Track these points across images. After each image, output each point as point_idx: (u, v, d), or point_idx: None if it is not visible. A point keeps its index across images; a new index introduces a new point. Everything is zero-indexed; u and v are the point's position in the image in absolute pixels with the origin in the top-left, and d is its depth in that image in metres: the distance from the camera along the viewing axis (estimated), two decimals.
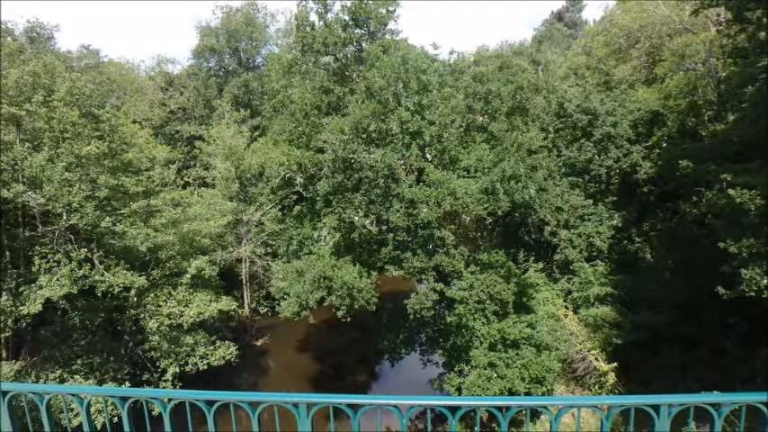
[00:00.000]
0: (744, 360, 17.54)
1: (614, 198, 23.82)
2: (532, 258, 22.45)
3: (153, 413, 3.60)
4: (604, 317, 21.09)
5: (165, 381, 18.33)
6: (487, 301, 16.49)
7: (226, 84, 36.69)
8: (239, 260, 27.78)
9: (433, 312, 17.79)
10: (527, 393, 16.50)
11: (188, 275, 19.02)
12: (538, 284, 21.46)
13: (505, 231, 27.70)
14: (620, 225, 22.84)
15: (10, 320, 15.57)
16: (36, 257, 15.75)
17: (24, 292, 15.62)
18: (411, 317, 17.37)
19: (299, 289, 16.53)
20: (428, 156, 16.76)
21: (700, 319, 18.99)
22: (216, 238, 24.72)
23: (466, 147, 17.43)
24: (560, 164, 23.16)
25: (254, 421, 3.27)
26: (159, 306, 18.53)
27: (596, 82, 26.71)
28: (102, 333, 18.66)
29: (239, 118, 32.71)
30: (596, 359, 20.06)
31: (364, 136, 15.93)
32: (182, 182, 31.25)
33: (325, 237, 18.11)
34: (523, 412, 4.58)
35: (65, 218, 16.09)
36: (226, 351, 19.87)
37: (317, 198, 17.26)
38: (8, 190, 14.98)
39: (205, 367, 19.13)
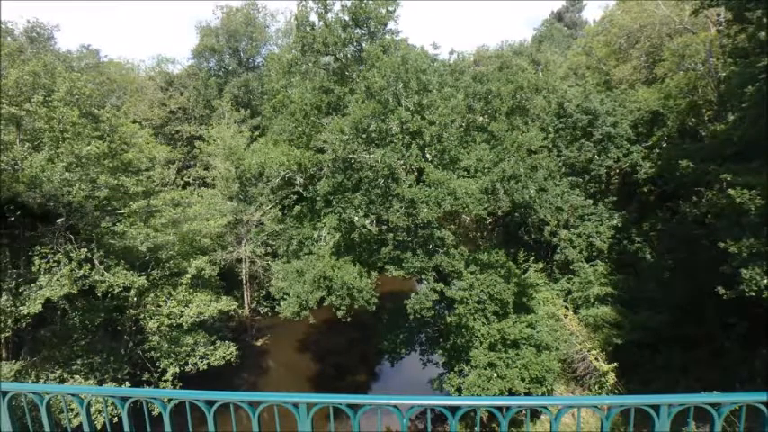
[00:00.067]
0: (744, 360, 17.56)
1: (614, 198, 23.85)
2: (532, 258, 22.45)
3: (153, 413, 3.60)
4: (604, 317, 21.10)
5: (165, 381, 18.31)
6: (487, 301, 16.49)
7: (226, 84, 36.69)
8: (239, 260, 27.79)
9: (433, 312, 17.76)
10: (527, 393, 16.49)
11: (188, 275, 19.02)
12: (538, 284, 21.47)
13: (505, 231, 27.75)
14: (620, 225, 22.85)
15: (10, 320, 15.55)
16: (36, 257, 15.72)
17: (24, 292, 15.60)
18: (411, 317, 17.36)
19: (298, 289, 16.53)
20: (428, 156, 16.74)
21: (700, 319, 18.99)
22: (216, 238, 24.75)
23: (466, 147, 17.39)
24: (560, 164, 23.16)
25: (254, 421, 3.26)
26: (159, 306, 18.52)
27: (596, 82, 26.75)
28: (102, 333, 18.66)
29: (239, 118, 32.74)
30: (596, 359, 20.06)
31: (364, 136, 15.91)
32: (182, 182, 31.30)
33: (325, 237, 18.09)
34: (523, 412, 4.58)
35: (65, 218, 16.09)
36: (226, 351, 19.86)
37: (317, 198, 17.27)
38: (8, 190, 14.97)
39: (205, 367, 19.11)
